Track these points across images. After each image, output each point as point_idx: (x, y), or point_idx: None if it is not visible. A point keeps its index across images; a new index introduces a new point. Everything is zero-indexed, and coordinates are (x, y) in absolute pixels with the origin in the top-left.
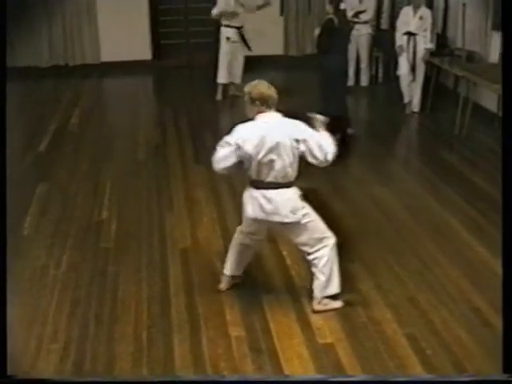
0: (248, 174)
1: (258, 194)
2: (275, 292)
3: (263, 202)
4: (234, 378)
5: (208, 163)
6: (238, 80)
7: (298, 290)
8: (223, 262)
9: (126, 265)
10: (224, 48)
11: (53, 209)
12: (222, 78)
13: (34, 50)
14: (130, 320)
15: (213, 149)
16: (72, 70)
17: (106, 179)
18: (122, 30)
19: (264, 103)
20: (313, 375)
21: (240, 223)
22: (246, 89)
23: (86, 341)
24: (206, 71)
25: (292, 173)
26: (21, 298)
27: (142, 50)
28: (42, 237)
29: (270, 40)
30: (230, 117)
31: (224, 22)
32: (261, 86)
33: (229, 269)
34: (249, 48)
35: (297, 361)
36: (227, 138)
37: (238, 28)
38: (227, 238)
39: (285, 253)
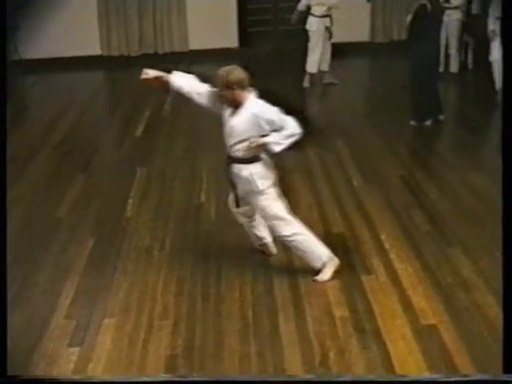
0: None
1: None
2: (374, 274)
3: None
4: (236, 378)
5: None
6: (326, 68)
7: (398, 271)
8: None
9: (227, 246)
10: (313, 37)
11: (153, 192)
12: (311, 67)
13: (125, 39)
14: (235, 298)
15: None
16: (161, 58)
17: (202, 164)
18: (209, 18)
19: (241, 86)
20: (312, 375)
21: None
22: (221, 74)
23: (194, 318)
24: (294, 59)
25: None
26: (129, 278)
27: (230, 38)
28: (144, 219)
29: (356, 26)
30: (318, 104)
31: (312, 12)
32: (237, 71)
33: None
34: (330, 36)
35: (401, 341)
36: None
37: (326, 17)
38: (326, 223)
39: (383, 237)
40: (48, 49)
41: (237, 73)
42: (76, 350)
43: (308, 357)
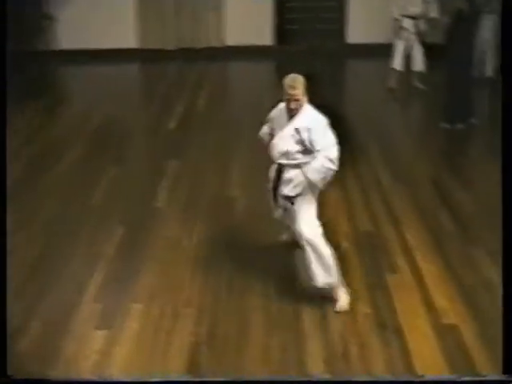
0: None
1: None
2: (399, 273)
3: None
4: (233, 378)
5: None
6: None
7: (422, 271)
8: (351, 242)
9: (255, 240)
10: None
11: (183, 184)
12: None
13: (162, 33)
14: (259, 291)
15: None
16: (197, 53)
17: (233, 158)
18: (247, 15)
19: (287, 94)
20: (311, 376)
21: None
22: (301, 79)
23: (218, 308)
24: (329, 57)
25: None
26: (156, 266)
27: (266, 35)
28: (174, 210)
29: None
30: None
31: (400, 12)
32: (287, 79)
33: None
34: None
35: (422, 339)
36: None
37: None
38: (353, 221)
39: (409, 236)
40: (86, 40)
41: (287, 80)
42: (103, 332)
43: (329, 350)
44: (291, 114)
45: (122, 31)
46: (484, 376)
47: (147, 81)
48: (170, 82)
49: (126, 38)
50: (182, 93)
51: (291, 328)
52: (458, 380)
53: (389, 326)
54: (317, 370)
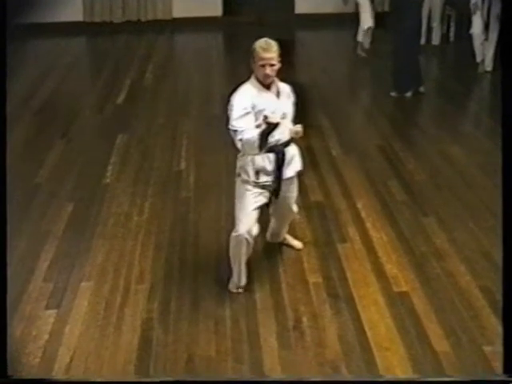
0: None
1: None
2: (350, 242)
3: None
4: (229, 378)
5: None
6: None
7: (373, 240)
8: (301, 212)
9: (206, 213)
10: None
11: (133, 159)
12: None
13: (108, 6)
14: (211, 264)
15: None
16: (144, 26)
17: (182, 131)
18: None
19: (261, 59)
20: (309, 376)
21: None
22: (275, 44)
23: (171, 282)
24: (277, 28)
25: None
26: (107, 242)
27: (213, 7)
28: (123, 185)
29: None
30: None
31: None
32: (261, 43)
33: None
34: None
35: (373, 307)
36: None
37: None
38: (304, 192)
39: (360, 206)
40: (30, 14)
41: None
42: (53, 312)
43: (282, 321)
44: (266, 85)
45: (68, 4)
46: (484, 376)
47: (94, 54)
48: (117, 55)
49: (72, 11)
50: (130, 66)
51: (243, 300)
52: (457, 380)
53: (341, 296)
54: (270, 340)
